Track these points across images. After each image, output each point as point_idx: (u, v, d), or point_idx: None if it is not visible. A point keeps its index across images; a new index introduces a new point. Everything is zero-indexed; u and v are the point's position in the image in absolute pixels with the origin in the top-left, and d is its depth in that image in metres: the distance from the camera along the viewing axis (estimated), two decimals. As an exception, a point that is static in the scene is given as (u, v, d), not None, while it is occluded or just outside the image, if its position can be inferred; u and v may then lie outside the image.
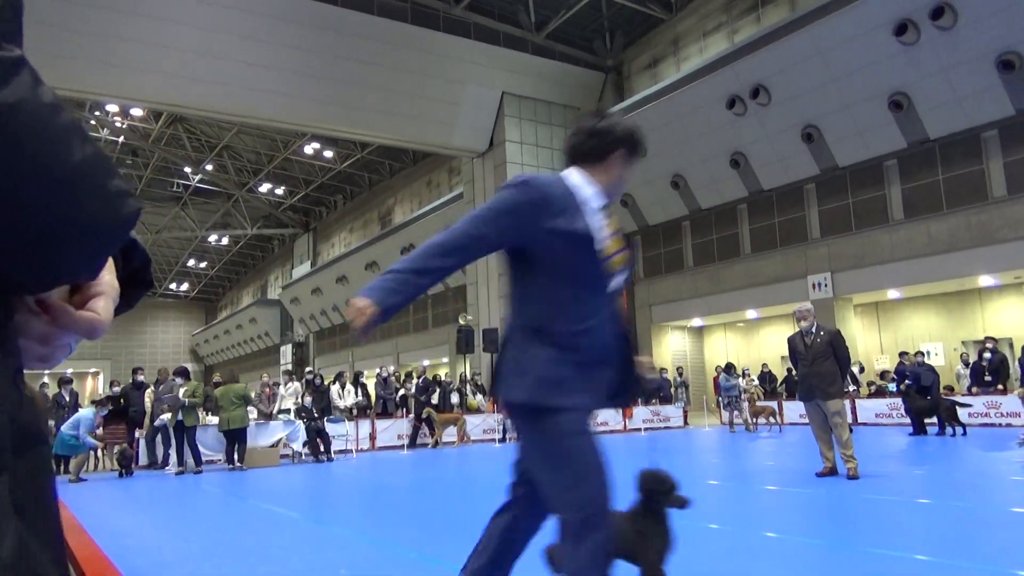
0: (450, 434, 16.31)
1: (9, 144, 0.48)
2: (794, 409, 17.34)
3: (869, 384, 18.53)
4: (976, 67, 15.39)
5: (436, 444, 15.68)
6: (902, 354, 16.01)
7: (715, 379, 20.67)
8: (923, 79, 16.15)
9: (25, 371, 0.59)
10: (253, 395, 13.75)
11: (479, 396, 18.53)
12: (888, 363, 19.54)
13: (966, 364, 16.45)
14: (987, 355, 15.03)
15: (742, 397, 17.55)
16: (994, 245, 16.20)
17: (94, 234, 0.56)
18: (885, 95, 16.78)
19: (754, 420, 16.93)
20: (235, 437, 12.30)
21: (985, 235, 16.34)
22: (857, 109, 17.41)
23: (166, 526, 7.08)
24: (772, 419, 16.53)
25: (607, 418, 18.95)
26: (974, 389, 14.99)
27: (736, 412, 17.30)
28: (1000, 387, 14.81)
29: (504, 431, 16.59)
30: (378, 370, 17.78)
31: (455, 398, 17.93)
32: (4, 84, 0.49)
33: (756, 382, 19.49)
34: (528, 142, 24.34)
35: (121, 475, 11.75)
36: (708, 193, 21.43)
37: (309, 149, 33.05)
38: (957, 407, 13.14)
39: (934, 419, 13.42)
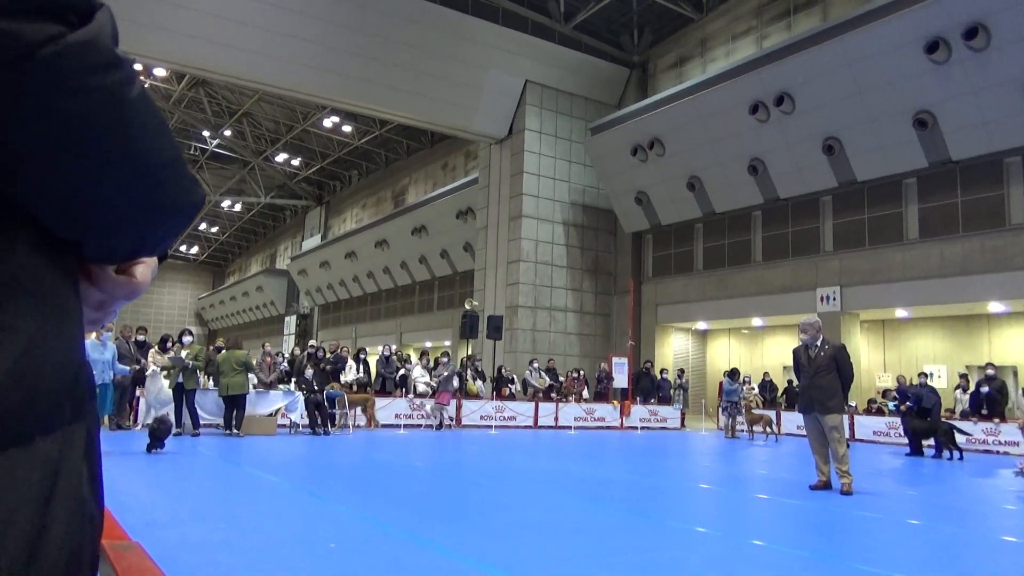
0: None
1: (130, 134, 0.57)
2: (792, 420, 17.33)
3: (870, 402, 18.49)
4: (1005, 91, 15.22)
5: (340, 426, 14.91)
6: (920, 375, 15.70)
7: (721, 383, 20.66)
8: (950, 99, 15.99)
9: None
10: (254, 363, 13.82)
11: (479, 382, 18.58)
12: (891, 382, 19.48)
13: (964, 390, 16.38)
14: (985, 388, 14.98)
15: (741, 404, 17.55)
16: (1007, 272, 16.09)
17: (174, 215, 0.64)
18: (910, 112, 16.62)
19: (750, 428, 16.92)
20: (234, 403, 12.37)
21: (999, 261, 16.22)
22: (881, 124, 17.26)
23: (160, 486, 7.15)
24: (769, 428, 16.52)
25: (604, 414, 19.00)
26: (972, 418, 14.96)
27: (735, 418, 17.28)
28: (995, 418, 14.77)
29: (440, 421, 16.16)
30: (381, 348, 17.85)
31: (455, 382, 17.97)
32: (131, 83, 0.56)
33: (756, 390, 19.47)
34: (547, 132, 24.27)
35: (151, 449, 9.31)
36: (723, 197, 21.32)
37: (328, 122, 33.04)
38: (955, 431, 13.11)
39: (931, 441, 13.41)
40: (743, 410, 17.18)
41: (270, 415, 13.50)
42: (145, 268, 0.71)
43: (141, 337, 13.77)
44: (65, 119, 0.53)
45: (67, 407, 0.58)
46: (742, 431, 17.28)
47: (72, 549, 0.57)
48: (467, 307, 20.49)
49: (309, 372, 14.18)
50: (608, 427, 18.82)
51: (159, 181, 0.61)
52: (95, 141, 0.55)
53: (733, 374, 17.84)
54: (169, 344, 13.87)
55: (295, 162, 40.47)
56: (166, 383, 12.68)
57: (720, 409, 18.07)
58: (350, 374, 16.26)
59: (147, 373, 12.74)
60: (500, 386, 18.72)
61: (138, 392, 13.05)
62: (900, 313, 19.82)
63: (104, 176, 0.57)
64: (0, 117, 0.51)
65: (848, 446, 8.20)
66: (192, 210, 0.66)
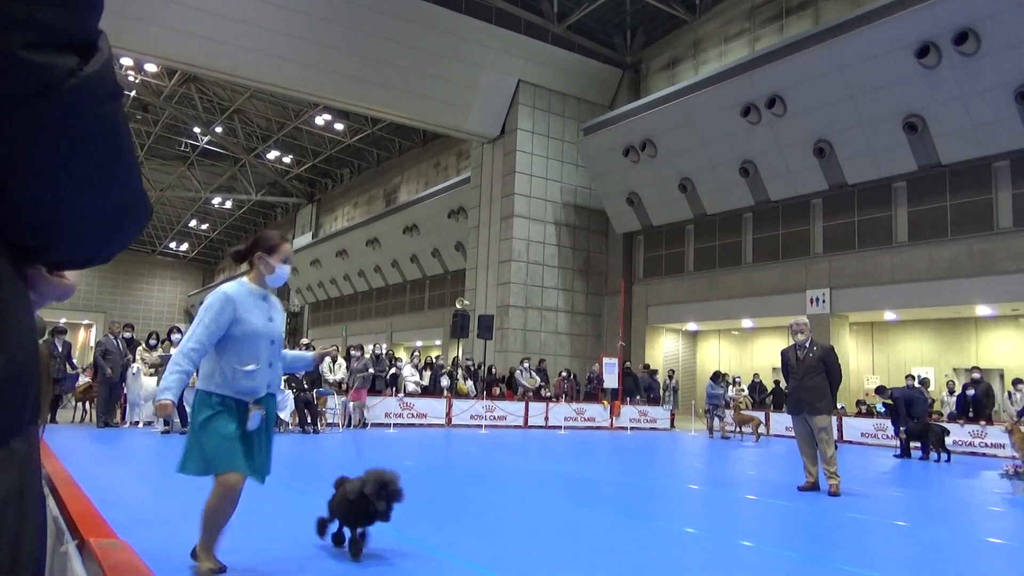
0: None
1: (116, 155, 0.60)
2: (780, 421, 17.40)
3: (858, 403, 18.59)
4: (994, 96, 15.34)
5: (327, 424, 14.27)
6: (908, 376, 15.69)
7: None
8: (940, 103, 16.10)
9: None
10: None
11: (469, 382, 18.58)
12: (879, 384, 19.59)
13: (951, 392, 16.51)
14: (971, 392, 15.08)
15: (729, 405, 17.59)
16: (995, 276, 16.21)
17: (132, 228, 0.68)
18: (901, 116, 16.73)
19: (739, 428, 16.97)
20: (222, 401, 12.29)
21: (987, 265, 16.35)
22: (871, 128, 17.36)
23: (148, 483, 7.11)
24: (757, 430, 16.56)
25: (594, 414, 19.02)
26: (959, 420, 15.07)
27: (715, 419, 17.33)
28: (982, 421, 14.87)
29: (350, 419, 15.32)
30: (371, 347, 17.79)
31: (445, 381, 17.97)
32: (122, 109, 0.60)
33: (745, 391, 19.54)
34: (540, 132, 24.27)
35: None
36: (715, 199, 21.39)
37: (320, 120, 32.91)
38: (946, 434, 13.21)
39: (918, 443, 13.49)
40: (731, 411, 17.21)
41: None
42: (75, 271, 0.74)
43: (128, 334, 13.65)
44: (70, 142, 0.56)
45: (31, 405, 0.60)
46: (731, 432, 17.32)
47: (41, 541, 0.60)
48: (458, 306, 20.47)
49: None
50: (598, 427, 18.84)
51: (129, 197, 0.64)
52: (88, 162, 0.58)
53: (716, 377, 17.92)
54: (153, 341, 13.79)
55: (286, 159, 40.29)
56: (152, 380, 12.64)
57: (705, 411, 18.16)
58: (339, 372, 16.21)
59: (131, 372, 12.70)
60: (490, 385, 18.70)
61: (124, 389, 13.00)
62: (888, 315, 19.94)
63: (88, 193, 0.60)
64: (18, 140, 0.54)
65: (836, 447, 8.25)
66: (144, 223, 0.70)
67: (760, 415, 17.63)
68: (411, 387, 17.19)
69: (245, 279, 3.78)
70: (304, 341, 18.23)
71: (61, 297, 0.72)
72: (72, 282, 0.72)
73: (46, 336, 14.74)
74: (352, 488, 4.20)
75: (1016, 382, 14.20)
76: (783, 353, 8.49)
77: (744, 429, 16.85)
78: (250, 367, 3.55)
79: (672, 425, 20.21)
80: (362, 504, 4.11)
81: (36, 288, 0.68)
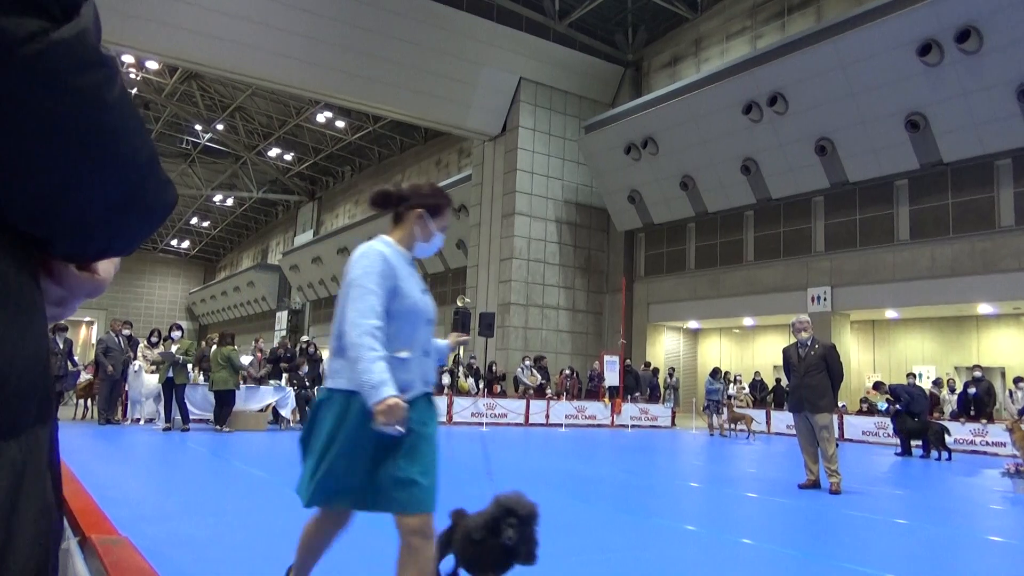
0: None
1: (110, 134, 0.55)
2: (781, 419, 17.40)
3: (862, 401, 18.59)
4: (997, 94, 15.31)
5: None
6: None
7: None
8: (942, 101, 16.07)
9: None
10: (246, 359, 13.75)
11: (470, 380, 18.59)
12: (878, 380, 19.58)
13: (952, 391, 16.51)
14: (972, 390, 15.09)
15: (724, 402, 17.59)
16: (996, 274, 16.20)
17: (148, 216, 0.63)
18: (902, 114, 16.70)
19: (731, 426, 16.95)
20: (220, 399, 12.33)
21: (988, 263, 16.33)
22: (873, 126, 17.34)
23: (149, 481, 7.13)
24: (750, 427, 16.54)
25: (595, 412, 19.03)
26: (960, 419, 15.08)
27: (714, 416, 17.34)
28: (983, 420, 14.87)
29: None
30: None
31: (446, 379, 17.98)
32: (113, 82, 0.54)
33: (746, 389, 19.52)
34: (541, 130, 24.25)
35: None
36: (716, 197, 21.38)
37: (321, 117, 32.90)
38: (946, 432, 13.21)
39: (919, 441, 13.50)
40: (723, 409, 17.21)
41: (261, 411, 13.45)
42: (108, 265, 0.69)
43: (127, 332, 13.63)
44: (44, 119, 0.51)
45: (33, 408, 0.56)
46: (728, 430, 17.33)
47: (38, 560, 0.54)
48: (459, 304, 20.44)
49: (305, 368, 14.14)
50: (599, 425, 18.85)
51: (135, 182, 0.59)
52: (74, 141, 0.53)
53: (714, 374, 17.93)
54: (154, 339, 13.80)
55: (288, 157, 40.29)
56: (153, 378, 12.66)
57: (704, 408, 18.18)
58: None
59: (132, 369, 12.72)
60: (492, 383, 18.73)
61: (126, 387, 13.02)
62: (890, 314, 19.93)
63: (82, 177, 0.55)
64: None
65: (837, 445, 8.25)
66: (165, 211, 0.65)
67: (753, 413, 17.60)
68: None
69: (390, 239, 2.93)
70: (304, 339, 18.22)
71: (92, 293, 0.68)
72: (103, 278, 0.68)
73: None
74: (476, 524, 3.16)
75: (1017, 380, 14.19)
76: (785, 351, 8.49)
77: (738, 427, 16.84)
78: (404, 353, 2.63)
79: (673, 423, 20.21)
80: (492, 544, 3.09)
81: (65, 284, 0.65)
